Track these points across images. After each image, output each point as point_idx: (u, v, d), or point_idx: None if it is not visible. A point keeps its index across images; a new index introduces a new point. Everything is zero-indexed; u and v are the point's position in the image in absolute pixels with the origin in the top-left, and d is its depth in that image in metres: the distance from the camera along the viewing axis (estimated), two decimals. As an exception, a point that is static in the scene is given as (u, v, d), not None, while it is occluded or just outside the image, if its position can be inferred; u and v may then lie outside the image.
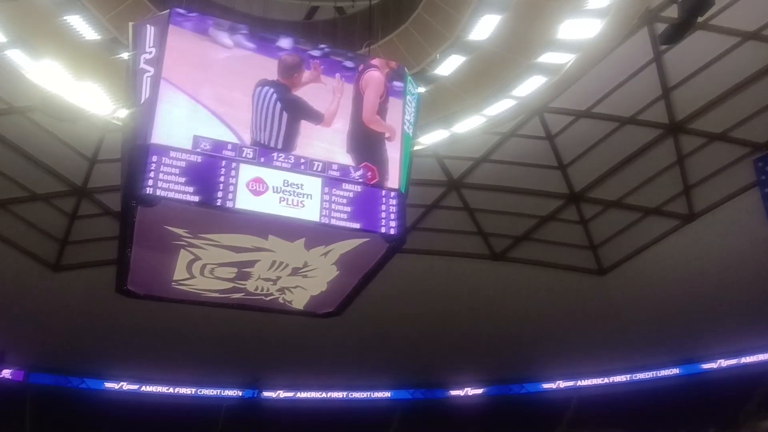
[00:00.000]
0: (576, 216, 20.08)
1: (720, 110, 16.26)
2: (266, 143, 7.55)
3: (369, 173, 7.91)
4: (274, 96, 7.76)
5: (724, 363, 20.17)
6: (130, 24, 7.66)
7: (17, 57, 12.91)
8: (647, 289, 20.19)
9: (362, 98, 8.19)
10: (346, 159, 7.85)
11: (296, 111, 7.81)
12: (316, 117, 7.89)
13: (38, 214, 18.98)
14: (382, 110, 8.26)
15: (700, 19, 11.97)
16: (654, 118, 16.84)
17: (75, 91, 13.69)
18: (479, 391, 23.91)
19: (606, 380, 22.17)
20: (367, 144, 8.07)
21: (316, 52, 8.10)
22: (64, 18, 12.09)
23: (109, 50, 12.63)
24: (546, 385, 23.22)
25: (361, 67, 8.29)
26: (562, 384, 22.94)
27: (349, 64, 8.27)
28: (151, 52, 7.43)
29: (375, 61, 8.54)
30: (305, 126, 7.82)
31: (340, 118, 8.01)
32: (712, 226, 18.53)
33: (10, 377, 21.11)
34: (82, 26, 12.31)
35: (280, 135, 7.68)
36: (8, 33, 12.30)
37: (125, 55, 10.54)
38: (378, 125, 8.18)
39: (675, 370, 21.14)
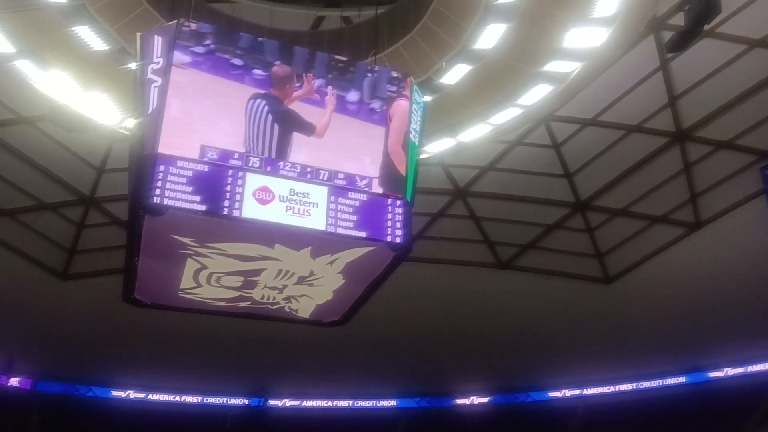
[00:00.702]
0: (582, 224, 20.02)
1: (727, 118, 16.20)
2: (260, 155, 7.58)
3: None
4: (266, 108, 7.78)
5: (730, 371, 20.04)
6: (138, 34, 7.74)
7: (26, 67, 12.98)
8: (653, 298, 20.09)
9: (389, 126, 8.23)
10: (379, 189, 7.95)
11: (288, 123, 7.82)
12: (308, 128, 7.90)
13: (46, 223, 19.05)
14: (406, 143, 8.28)
15: (706, 27, 11.97)
16: (660, 126, 16.80)
17: (83, 100, 13.76)
18: (485, 399, 23.80)
19: (612, 389, 22.05)
20: (391, 173, 8.11)
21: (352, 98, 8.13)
22: (73, 29, 12.18)
23: (117, 60, 12.72)
24: (552, 394, 23.10)
25: (395, 98, 8.31)
26: (568, 392, 22.82)
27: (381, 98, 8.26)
28: (158, 62, 7.50)
29: (407, 91, 8.47)
30: (305, 141, 7.83)
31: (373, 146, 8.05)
32: (718, 234, 18.45)
33: (17, 385, 21.15)
34: (90, 37, 12.41)
35: (273, 147, 7.68)
36: (17, 43, 12.38)
37: (133, 65, 10.64)
38: (399, 160, 8.16)
39: (681, 379, 21.01)
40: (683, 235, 19.19)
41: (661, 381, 21.32)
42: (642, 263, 20.26)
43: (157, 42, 7.58)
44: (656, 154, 17.54)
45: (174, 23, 7.75)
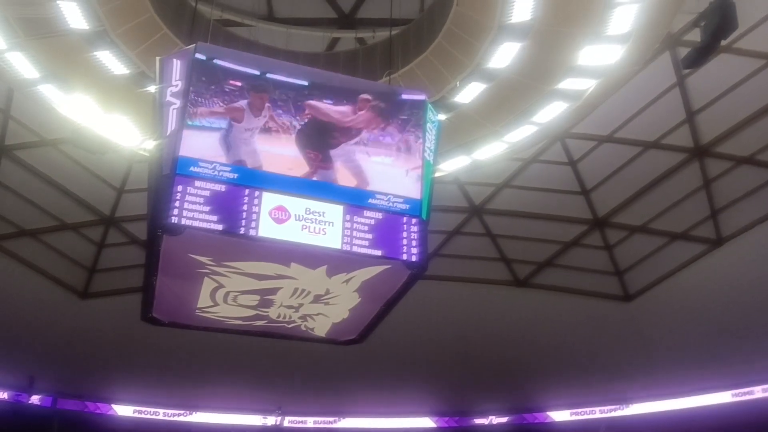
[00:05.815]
0: (600, 241, 19.84)
1: (746, 133, 16.01)
2: None
3: None
4: None
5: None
6: (157, 58, 7.90)
7: (49, 91, 13.34)
8: (674, 315, 19.77)
9: None
10: None
11: None
12: None
13: (67, 243, 19.37)
14: None
15: (723, 43, 11.91)
16: (678, 142, 16.66)
17: (104, 123, 14.06)
18: (504, 419, 23.47)
19: (633, 409, 21.63)
20: None
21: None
22: (94, 54, 12.50)
23: (136, 84, 13.03)
24: (572, 414, 22.72)
25: None
26: (588, 413, 22.43)
27: None
28: (177, 85, 7.65)
29: None
30: None
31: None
32: (740, 250, 18.14)
33: (38, 403, 21.31)
34: (111, 61, 12.74)
35: None
36: (41, 69, 12.74)
37: (152, 88, 10.85)
38: None
39: (708, 398, 20.50)
40: (704, 251, 18.92)
41: (686, 400, 20.85)
42: (662, 280, 19.98)
43: (176, 65, 7.73)
44: (675, 170, 17.36)
45: (192, 47, 7.91)
